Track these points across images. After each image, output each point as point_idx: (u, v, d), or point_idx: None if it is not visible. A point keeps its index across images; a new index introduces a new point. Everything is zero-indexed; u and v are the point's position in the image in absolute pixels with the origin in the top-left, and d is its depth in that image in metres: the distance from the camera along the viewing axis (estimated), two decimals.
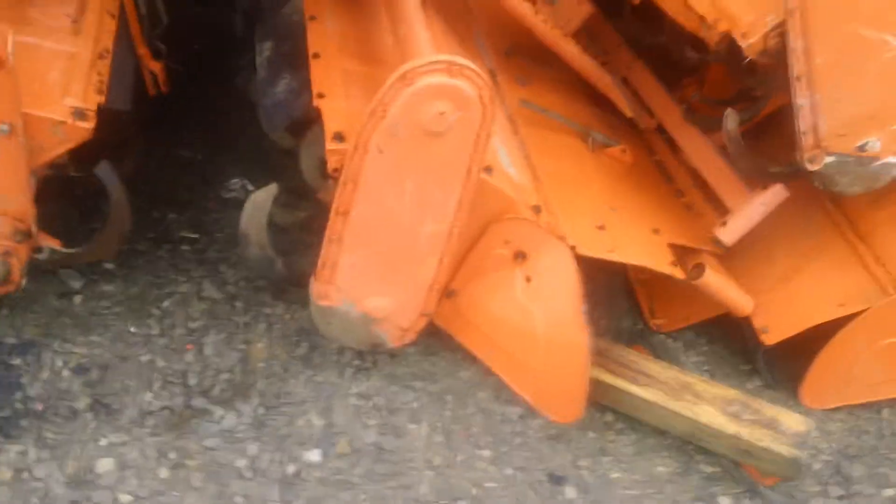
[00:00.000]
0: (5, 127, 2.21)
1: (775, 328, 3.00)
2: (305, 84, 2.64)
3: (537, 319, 2.68)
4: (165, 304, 2.99)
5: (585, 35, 3.76)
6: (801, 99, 2.56)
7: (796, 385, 3.12)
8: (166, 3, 3.02)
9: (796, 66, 2.52)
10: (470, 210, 2.50)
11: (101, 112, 2.40)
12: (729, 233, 2.99)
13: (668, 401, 2.77)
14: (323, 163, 2.73)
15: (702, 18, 2.74)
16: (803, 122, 2.60)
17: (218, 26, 3.81)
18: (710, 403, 2.76)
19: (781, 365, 3.12)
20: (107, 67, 2.55)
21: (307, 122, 2.63)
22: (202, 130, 3.76)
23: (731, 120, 2.77)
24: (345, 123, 2.47)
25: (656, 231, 3.03)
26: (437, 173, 2.39)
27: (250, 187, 3.61)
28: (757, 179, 2.95)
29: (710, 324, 3.26)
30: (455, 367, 2.99)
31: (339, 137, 2.42)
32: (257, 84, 2.80)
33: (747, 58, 2.61)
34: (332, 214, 2.46)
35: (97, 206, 2.90)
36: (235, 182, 3.61)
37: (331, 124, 2.46)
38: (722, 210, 3.18)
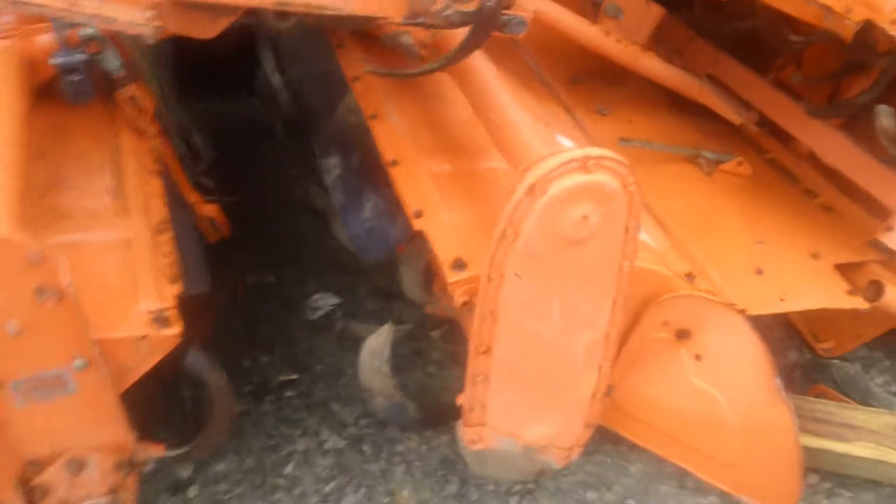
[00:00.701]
0: (80, 362, 1.85)
1: None
2: (394, 202, 2.25)
3: (721, 402, 2.29)
4: (288, 469, 2.63)
5: (650, 38, 3.34)
6: None
7: None
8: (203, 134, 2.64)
9: None
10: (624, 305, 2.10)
11: (183, 302, 2.03)
12: None
13: (883, 452, 2.37)
14: (427, 277, 2.36)
15: (827, 9, 2.32)
16: None
17: (259, 134, 3.44)
18: None
19: None
20: (170, 244, 2.17)
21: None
22: (263, 248, 3.40)
23: (885, 116, 2.35)
24: (459, 245, 2.09)
25: (815, 255, 2.62)
26: (586, 281, 2.00)
27: (335, 300, 3.26)
28: None
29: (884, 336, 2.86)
30: (623, 463, 2.62)
31: (460, 265, 2.03)
32: (338, 210, 2.42)
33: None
34: (471, 352, 2.08)
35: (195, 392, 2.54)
36: (318, 298, 3.26)
37: (444, 250, 2.08)
38: (874, 207, 2.77)
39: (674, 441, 2.40)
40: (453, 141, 2.44)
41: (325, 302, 3.26)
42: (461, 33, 2.44)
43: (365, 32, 2.77)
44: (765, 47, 3.21)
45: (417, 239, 2.23)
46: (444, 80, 2.56)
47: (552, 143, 2.07)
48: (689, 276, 2.31)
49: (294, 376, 2.96)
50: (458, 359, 2.98)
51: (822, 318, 2.87)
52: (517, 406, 2.19)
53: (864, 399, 2.68)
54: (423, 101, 2.56)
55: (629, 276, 2.05)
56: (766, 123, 3.21)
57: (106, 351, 1.90)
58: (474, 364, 2.09)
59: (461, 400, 2.20)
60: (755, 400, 2.23)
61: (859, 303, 2.44)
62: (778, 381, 2.20)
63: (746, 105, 3.21)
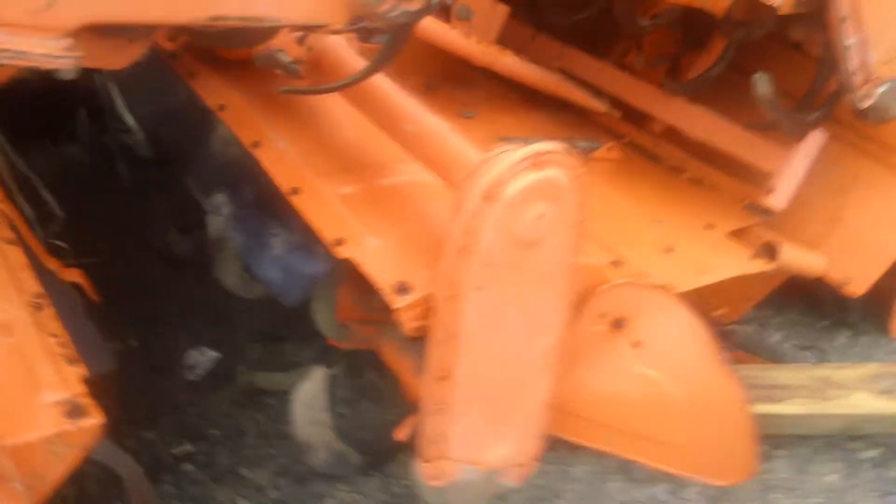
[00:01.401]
0: None
1: (857, 277, 2.75)
2: (305, 233, 2.04)
3: (667, 384, 2.26)
4: None
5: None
6: (850, 39, 2.27)
7: (884, 322, 2.89)
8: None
9: (841, 7, 2.22)
10: None
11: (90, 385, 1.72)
12: (779, 197, 2.70)
13: (817, 405, 2.44)
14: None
15: None
16: (852, 62, 2.32)
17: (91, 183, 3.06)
18: (859, 390, 2.46)
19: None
20: (55, 319, 1.83)
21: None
22: (118, 308, 3.00)
23: (763, 83, 2.43)
24: (396, 268, 1.92)
25: (709, 227, 2.68)
26: (542, 284, 1.89)
27: (214, 354, 2.94)
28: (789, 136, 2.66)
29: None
30: (566, 468, 2.54)
31: (404, 289, 1.86)
32: (242, 251, 2.15)
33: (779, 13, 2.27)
34: (427, 383, 1.91)
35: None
36: (194, 355, 2.93)
37: (382, 276, 1.89)
38: (743, 173, 2.89)
39: (620, 433, 2.34)
40: (351, 160, 2.26)
41: (203, 358, 2.93)
42: (337, 48, 2.28)
43: (218, 58, 2.52)
44: (605, 36, 3.27)
45: (335, 270, 2.03)
46: (324, 100, 2.38)
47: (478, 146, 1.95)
48: (616, 264, 2.26)
49: (190, 448, 2.63)
50: (370, 391, 2.80)
51: (712, 287, 2.93)
52: (478, 430, 2.04)
53: (775, 357, 2.77)
54: (306, 123, 2.36)
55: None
56: (619, 108, 3.26)
57: (15, 459, 1.56)
58: (431, 393, 1.92)
59: (417, 433, 2.02)
60: (701, 377, 2.22)
61: (765, 265, 2.50)
62: (723, 355, 2.20)
63: (599, 93, 3.25)
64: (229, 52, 2.52)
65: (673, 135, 3.13)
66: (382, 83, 2.12)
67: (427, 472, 2.04)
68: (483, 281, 1.79)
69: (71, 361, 1.75)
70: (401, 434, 2.23)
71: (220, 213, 2.21)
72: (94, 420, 1.64)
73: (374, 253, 1.98)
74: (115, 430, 1.98)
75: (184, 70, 2.59)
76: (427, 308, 1.87)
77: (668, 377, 2.26)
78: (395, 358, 2.37)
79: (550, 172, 1.75)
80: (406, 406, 2.39)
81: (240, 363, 2.88)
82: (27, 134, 2.94)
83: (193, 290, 3.17)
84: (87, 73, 2.90)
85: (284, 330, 3.04)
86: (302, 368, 2.70)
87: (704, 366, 2.21)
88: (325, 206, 2.10)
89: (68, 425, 1.61)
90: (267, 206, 2.16)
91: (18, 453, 1.56)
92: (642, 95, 3.07)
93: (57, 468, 1.63)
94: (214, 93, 2.48)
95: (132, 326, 3.02)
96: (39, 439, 1.58)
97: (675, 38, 3.17)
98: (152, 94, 2.61)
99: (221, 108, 2.42)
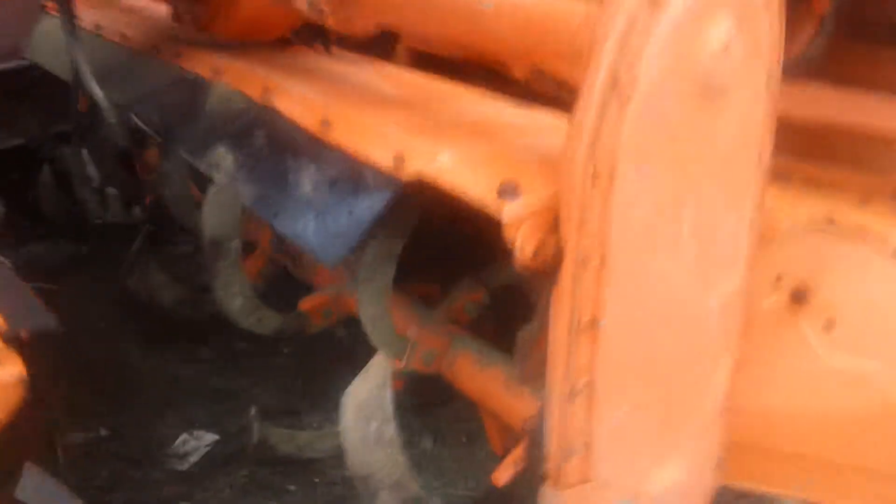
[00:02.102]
0: None
1: None
2: (346, 170, 1.39)
3: (884, 383, 1.53)
4: None
5: None
6: None
7: None
8: None
9: None
10: None
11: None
12: None
13: None
14: None
15: None
16: None
17: None
18: None
19: None
20: None
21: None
22: (80, 391, 2.28)
23: None
24: (491, 171, 1.26)
25: None
26: (722, 177, 1.22)
27: (208, 436, 2.19)
28: None
29: None
30: None
31: (511, 191, 1.19)
32: (254, 205, 1.49)
33: None
34: (557, 341, 1.20)
35: None
36: (185, 440, 2.18)
37: (473, 182, 1.23)
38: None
39: (823, 467, 1.59)
40: (384, 97, 1.66)
41: (198, 443, 2.17)
42: None
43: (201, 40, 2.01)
44: None
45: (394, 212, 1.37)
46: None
47: None
48: None
49: None
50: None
51: None
52: (633, 434, 1.30)
53: None
54: (319, 75, 1.80)
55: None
56: None
57: None
58: (567, 359, 1.20)
59: (533, 457, 1.28)
60: None
61: None
62: None
63: None
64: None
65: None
66: None
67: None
68: (645, 149, 1.12)
69: None
70: (501, 477, 1.48)
71: (220, 168, 1.56)
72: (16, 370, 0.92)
73: (452, 165, 1.32)
74: None
75: (169, 54, 2.07)
76: (550, 222, 1.19)
77: (886, 372, 1.53)
78: (474, 377, 1.66)
79: None
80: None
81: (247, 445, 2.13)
82: None
83: (179, 367, 2.47)
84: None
85: (301, 403, 2.31)
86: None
87: None
88: (369, 131, 1.47)
89: None
90: (284, 151, 1.52)
91: None
92: None
93: None
94: (207, 63, 1.95)
95: (101, 413, 2.28)
96: None
97: None
98: (127, 84, 2.04)
99: (217, 72, 1.89)
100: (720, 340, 1.33)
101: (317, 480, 2.04)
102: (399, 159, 1.34)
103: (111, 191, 3.04)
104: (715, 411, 1.38)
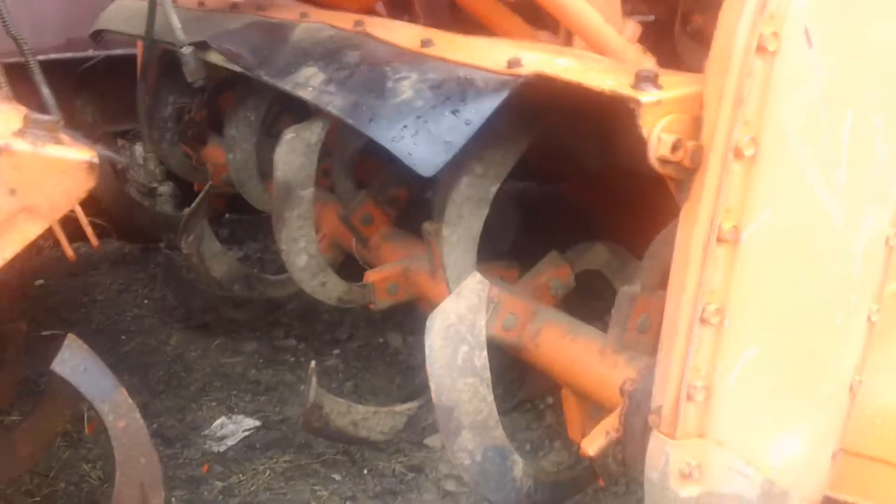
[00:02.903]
0: None
1: None
2: (448, 71, 1.28)
3: None
4: None
5: None
6: None
7: None
8: None
9: None
10: None
11: None
12: None
13: None
14: None
15: None
16: None
17: None
18: None
19: None
20: None
21: None
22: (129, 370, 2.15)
23: None
24: (620, 71, 1.13)
25: None
26: (883, 90, 1.08)
27: (247, 421, 2.02)
28: None
29: None
30: None
31: (648, 78, 1.07)
32: (345, 115, 1.36)
33: None
34: (682, 263, 1.05)
35: None
36: (220, 424, 2.01)
37: (602, 77, 1.10)
38: None
39: None
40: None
41: (235, 427, 2.00)
42: None
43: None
44: None
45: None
46: None
47: None
48: None
49: None
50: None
51: None
52: (759, 384, 1.13)
53: None
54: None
55: None
56: None
57: None
58: (699, 278, 1.05)
59: (661, 387, 1.11)
60: None
61: None
62: None
63: None
64: None
65: None
66: None
67: (674, 462, 1.09)
68: (821, 22, 0.99)
69: None
70: (590, 446, 1.30)
71: (309, 84, 1.44)
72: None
73: (575, 65, 1.20)
74: None
75: (249, 9, 2.01)
76: (689, 123, 1.06)
77: None
78: (562, 348, 1.48)
79: None
80: None
81: (288, 436, 1.95)
82: None
83: (221, 357, 2.32)
84: None
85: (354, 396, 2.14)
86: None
87: None
88: (474, 45, 1.36)
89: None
90: (380, 64, 1.40)
91: None
92: None
93: None
94: (294, 11, 1.90)
95: (139, 391, 2.13)
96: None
97: None
98: (207, 28, 1.97)
99: (305, 15, 1.81)
100: (860, 293, 1.16)
101: (365, 472, 1.85)
102: (514, 62, 1.23)
103: (164, 188, 2.97)
104: (844, 381, 1.20)
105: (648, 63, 1.60)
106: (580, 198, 2.57)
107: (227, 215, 3.14)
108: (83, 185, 0.80)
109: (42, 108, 1.43)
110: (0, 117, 0.81)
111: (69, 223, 1.46)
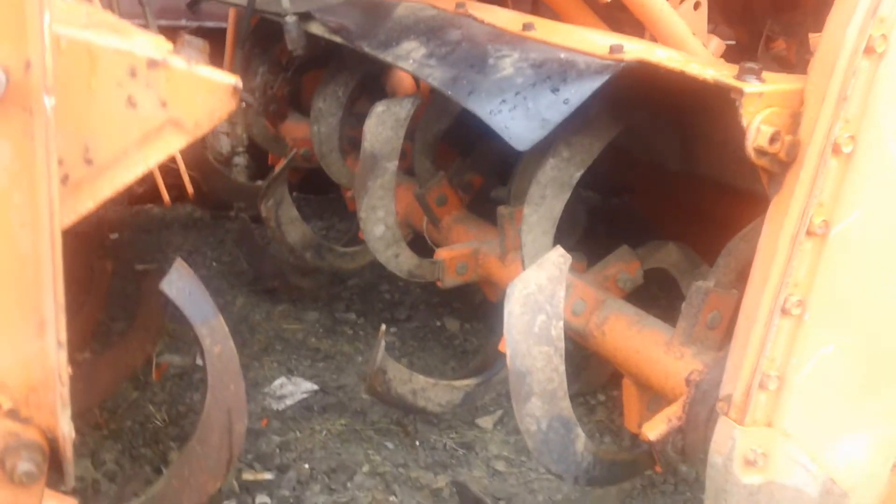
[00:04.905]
0: None
1: None
2: (550, 53, 1.31)
3: None
4: None
5: None
6: None
7: None
8: None
9: None
10: None
11: None
12: None
13: None
14: None
15: None
16: None
17: None
18: None
19: None
20: None
21: None
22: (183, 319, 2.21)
23: None
24: (720, 63, 1.17)
25: None
26: None
27: (306, 384, 2.08)
28: None
29: None
30: None
31: (751, 70, 1.09)
32: (444, 87, 1.40)
33: None
34: (767, 254, 1.07)
35: None
36: (282, 383, 2.07)
37: (701, 67, 1.13)
38: None
39: None
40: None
41: (296, 388, 2.06)
42: None
43: None
44: None
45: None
46: None
47: None
48: None
49: (266, 476, 1.70)
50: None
51: None
52: (832, 381, 1.14)
53: None
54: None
55: None
56: None
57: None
58: (785, 268, 1.07)
59: (734, 371, 1.14)
60: None
61: None
62: None
63: None
64: None
65: None
66: None
67: (741, 448, 1.12)
68: None
69: None
70: (652, 431, 1.32)
71: (410, 57, 1.49)
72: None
73: (676, 55, 1.23)
74: None
75: None
76: (789, 118, 1.08)
77: None
78: (628, 337, 1.51)
79: None
80: None
81: (345, 402, 2.01)
82: None
83: (283, 323, 2.39)
84: None
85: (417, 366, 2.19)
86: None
87: None
88: (575, 31, 1.39)
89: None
90: (481, 43, 1.45)
91: None
92: None
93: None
94: None
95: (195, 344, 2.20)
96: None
97: None
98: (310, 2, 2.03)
99: None
100: None
101: (417, 443, 1.89)
102: (616, 49, 1.26)
103: (240, 159, 3.06)
104: None
105: None
106: (646, 209, 2.60)
107: (294, 194, 3.23)
108: (225, 106, 0.86)
109: None
110: (156, 39, 0.87)
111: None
